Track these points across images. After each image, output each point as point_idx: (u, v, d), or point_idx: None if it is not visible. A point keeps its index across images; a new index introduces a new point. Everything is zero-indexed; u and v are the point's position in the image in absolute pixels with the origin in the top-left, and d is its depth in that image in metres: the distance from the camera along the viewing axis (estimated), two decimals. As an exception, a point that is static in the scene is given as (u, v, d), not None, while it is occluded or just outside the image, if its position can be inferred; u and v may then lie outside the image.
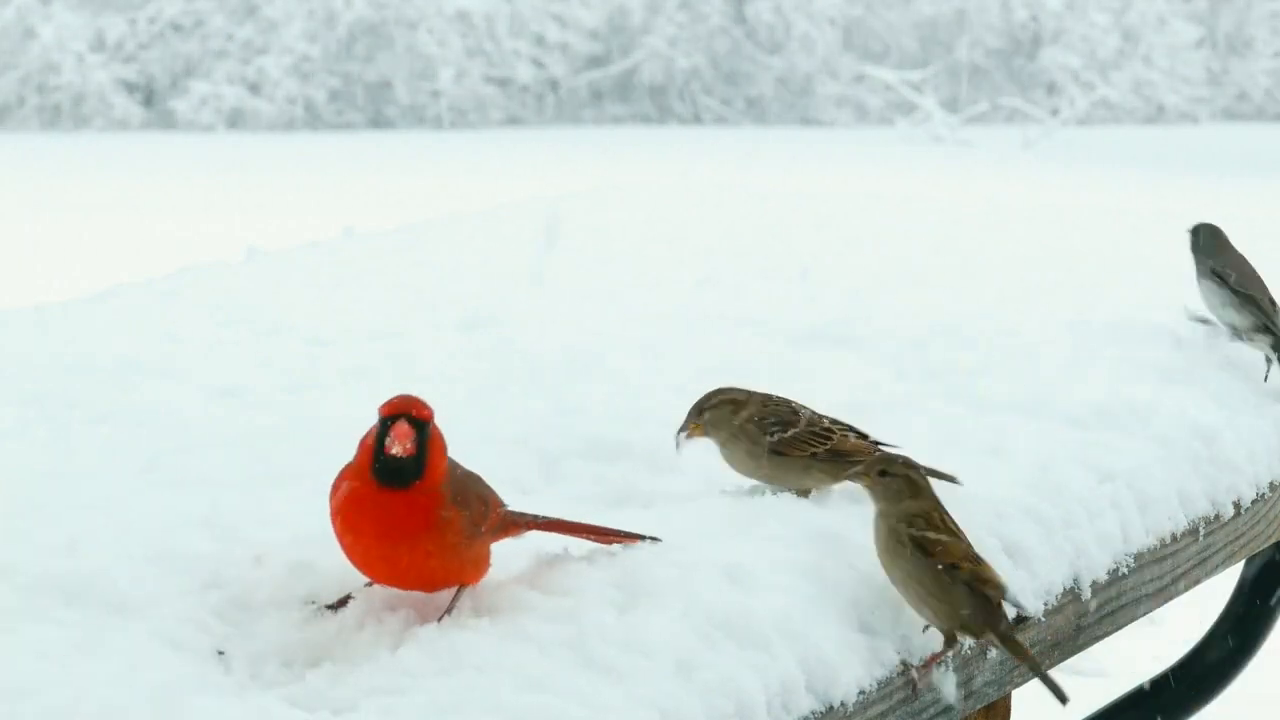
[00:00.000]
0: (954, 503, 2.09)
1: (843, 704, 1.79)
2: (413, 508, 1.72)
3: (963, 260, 3.62)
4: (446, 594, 1.75)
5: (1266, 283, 2.83)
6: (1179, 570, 2.38)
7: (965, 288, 3.28)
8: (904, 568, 1.87)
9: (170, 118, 28.28)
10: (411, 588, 1.75)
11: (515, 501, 1.87)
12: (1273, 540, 2.65)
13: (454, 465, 1.78)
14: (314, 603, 1.76)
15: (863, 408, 2.44)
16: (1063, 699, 1.90)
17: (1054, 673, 1.97)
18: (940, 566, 1.86)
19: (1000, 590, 1.89)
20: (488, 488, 1.81)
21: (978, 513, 2.08)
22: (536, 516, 1.85)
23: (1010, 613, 1.95)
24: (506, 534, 1.82)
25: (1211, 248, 2.85)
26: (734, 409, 2.08)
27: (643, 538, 1.87)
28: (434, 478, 1.73)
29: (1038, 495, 2.18)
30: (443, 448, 1.74)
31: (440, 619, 1.72)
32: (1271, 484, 2.59)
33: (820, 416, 2.12)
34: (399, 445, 1.70)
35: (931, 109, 27.42)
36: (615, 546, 1.87)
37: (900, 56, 31.17)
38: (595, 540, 1.86)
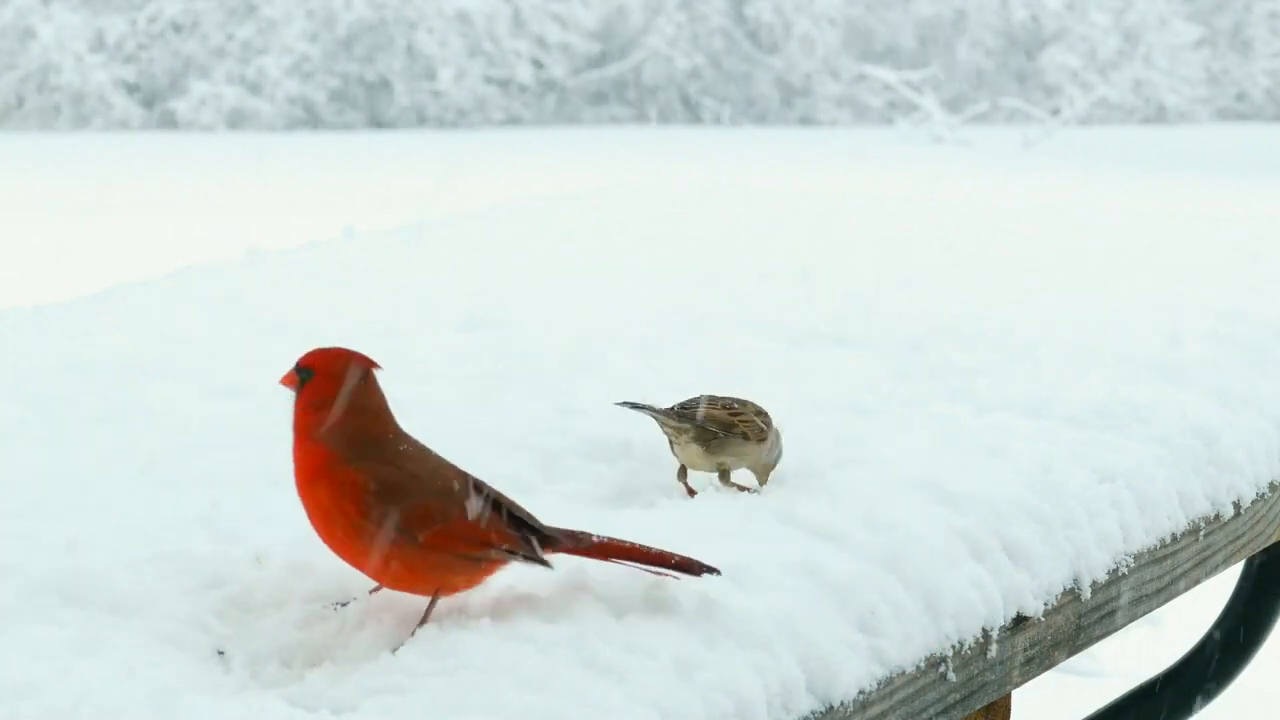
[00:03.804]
0: (957, 500, 2.09)
1: (843, 704, 1.79)
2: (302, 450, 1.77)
3: (963, 260, 3.62)
4: (460, 598, 1.74)
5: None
6: (1179, 570, 2.38)
7: (965, 288, 3.28)
8: None
9: (170, 118, 28.29)
10: (348, 559, 1.73)
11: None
12: (1273, 540, 2.65)
13: (403, 450, 1.75)
14: (341, 604, 1.76)
15: (863, 408, 2.44)
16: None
17: (1054, 672, 1.96)
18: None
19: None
20: (460, 502, 1.70)
21: (978, 513, 2.08)
22: (578, 541, 1.73)
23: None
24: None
25: None
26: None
27: (707, 569, 1.75)
28: (302, 420, 1.78)
29: (1038, 495, 2.17)
30: (321, 401, 1.81)
31: (413, 631, 1.70)
32: (1271, 484, 2.59)
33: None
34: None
35: (931, 109, 27.43)
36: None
37: (900, 56, 31.18)
38: (649, 569, 1.75)
